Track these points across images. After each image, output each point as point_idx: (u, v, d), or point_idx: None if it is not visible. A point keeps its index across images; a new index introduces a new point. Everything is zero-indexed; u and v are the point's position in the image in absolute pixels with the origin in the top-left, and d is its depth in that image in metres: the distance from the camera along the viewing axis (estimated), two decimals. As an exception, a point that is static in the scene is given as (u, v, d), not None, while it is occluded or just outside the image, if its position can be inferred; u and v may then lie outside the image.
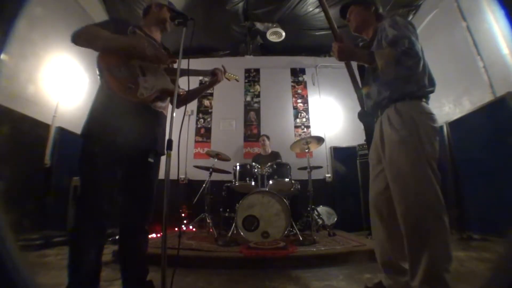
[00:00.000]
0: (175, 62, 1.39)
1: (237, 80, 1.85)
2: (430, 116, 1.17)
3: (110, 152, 1.14)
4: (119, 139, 1.13)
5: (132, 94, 1.18)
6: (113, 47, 1.19)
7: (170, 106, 1.35)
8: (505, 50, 2.51)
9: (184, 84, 1.39)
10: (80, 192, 1.16)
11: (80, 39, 1.16)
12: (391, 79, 1.19)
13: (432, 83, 1.23)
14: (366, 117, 1.41)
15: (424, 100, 1.21)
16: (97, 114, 1.18)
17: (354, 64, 1.44)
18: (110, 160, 1.15)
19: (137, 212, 1.25)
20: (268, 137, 3.98)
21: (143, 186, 1.28)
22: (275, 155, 3.78)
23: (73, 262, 1.06)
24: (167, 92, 1.31)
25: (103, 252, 1.18)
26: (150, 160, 1.26)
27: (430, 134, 1.14)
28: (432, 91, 1.23)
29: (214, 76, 1.60)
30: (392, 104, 1.22)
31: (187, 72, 1.29)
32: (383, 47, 1.22)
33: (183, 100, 1.48)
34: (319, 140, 2.98)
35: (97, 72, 1.20)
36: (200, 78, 4.83)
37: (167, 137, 1.13)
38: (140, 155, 1.25)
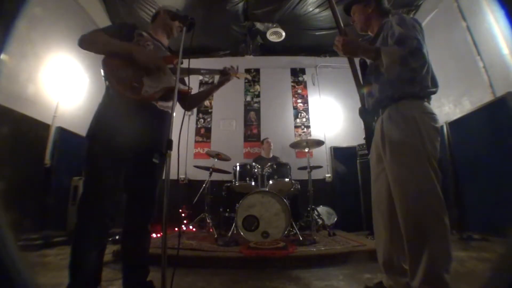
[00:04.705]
0: (181, 64, 1.40)
1: (247, 78, 1.83)
2: (431, 116, 1.17)
3: (115, 153, 1.14)
4: (124, 139, 1.13)
5: (136, 93, 1.18)
6: (110, 51, 1.21)
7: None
8: (505, 50, 2.51)
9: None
10: (83, 192, 1.16)
11: (84, 43, 1.22)
12: (394, 78, 1.18)
13: (435, 83, 1.21)
14: (367, 115, 1.39)
15: (426, 100, 1.20)
16: (103, 115, 1.19)
17: (356, 61, 1.41)
18: (114, 161, 1.15)
19: (139, 212, 1.25)
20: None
21: (146, 186, 1.27)
22: (276, 160, 3.77)
23: (74, 262, 1.06)
24: (172, 90, 1.31)
25: (104, 252, 1.18)
26: (155, 160, 1.26)
27: (431, 134, 1.13)
28: (434, 92, 1.22)
29: (225, 75, 1.57)
30: (393, 103, 1.21)
31: (197, 71, 1.29)
32: (388, 44, 1.20)
33: (190, 99, 1.47)
34: (319, 143, 2.99)
35: (102, 74, 1.21)
36: (200, 78, 4.84)
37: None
38: (145, 155, 1.23)
